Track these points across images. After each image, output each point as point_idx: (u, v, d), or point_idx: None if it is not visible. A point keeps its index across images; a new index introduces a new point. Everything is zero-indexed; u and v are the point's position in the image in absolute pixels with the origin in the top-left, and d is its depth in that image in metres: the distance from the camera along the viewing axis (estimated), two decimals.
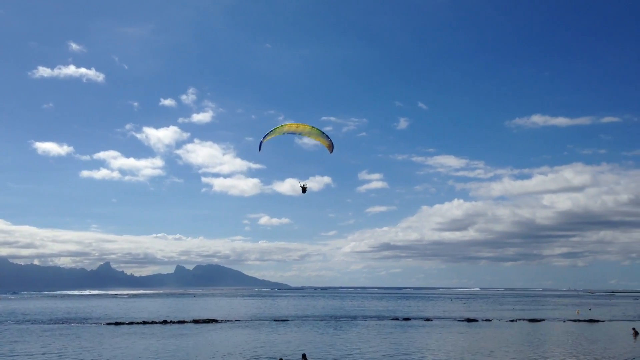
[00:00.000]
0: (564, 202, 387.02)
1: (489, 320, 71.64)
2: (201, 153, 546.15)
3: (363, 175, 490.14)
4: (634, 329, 52.67)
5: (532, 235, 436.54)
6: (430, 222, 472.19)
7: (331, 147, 38.69)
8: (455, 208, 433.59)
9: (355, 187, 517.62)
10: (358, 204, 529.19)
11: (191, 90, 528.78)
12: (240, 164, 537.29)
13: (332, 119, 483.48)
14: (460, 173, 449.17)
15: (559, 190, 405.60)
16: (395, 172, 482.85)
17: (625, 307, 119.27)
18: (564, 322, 70.18)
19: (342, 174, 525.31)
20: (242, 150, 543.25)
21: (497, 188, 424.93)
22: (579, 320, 71.29)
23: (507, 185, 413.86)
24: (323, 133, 38.02)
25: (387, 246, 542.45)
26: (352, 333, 53.25)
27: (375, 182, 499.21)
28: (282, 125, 37.83)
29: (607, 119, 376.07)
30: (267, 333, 53.11)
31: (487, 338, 49.28)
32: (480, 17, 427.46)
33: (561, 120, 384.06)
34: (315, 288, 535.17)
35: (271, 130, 37.00)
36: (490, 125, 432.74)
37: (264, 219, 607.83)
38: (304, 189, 38.58)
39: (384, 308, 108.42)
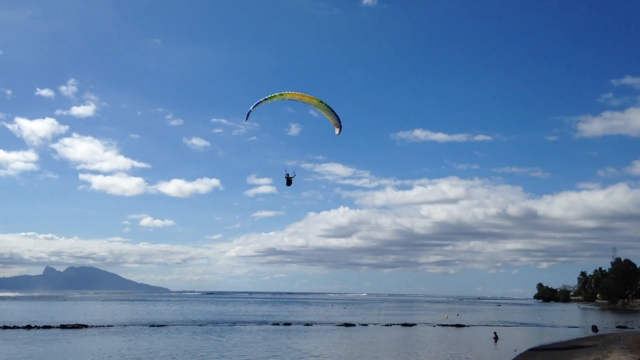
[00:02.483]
0: (440, 213, 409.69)
1: (366, 325, 74.02)
2: (80, 148, 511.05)
3: (252, 179, 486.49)
4: (495, 333, 56.81)
5: (411, 244, 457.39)
6: (316, 229, 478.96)
7: (337, 126, 36.08)
8: (341, 215, 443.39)
9: (243, 190, 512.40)
10: (245, 207, 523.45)
11: (71, 81, 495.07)
12: (123, 161, 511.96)
13: (223, 121, 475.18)
14: (347, 181, 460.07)
15: (436, 201, 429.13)
16: (284, 177, 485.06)
17: (488, 313, 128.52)
18: (434, 326, 74.15)
19: (230, 177, 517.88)
20: (126, 147, 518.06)
21: (380, 197, 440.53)
22: (447, 325, 75.65)
23: (390, 195, 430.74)
24: (332, 111, 35.26)
25: (272, 251, 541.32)
26: (232, 338, 52.75)
27: (264, 186, 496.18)
28: (282, 94, 34.54)
29: (480, 137, 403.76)
30: (142, 339, 51.12)
31: (362, 342, 50.92)
32: (373, 31, 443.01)
33: (440, 136, 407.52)
34: (202, 292, 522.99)
35: (265, 98, 34.09)
36: (376, 136, 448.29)
37: (146, 220, 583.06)
38: (289, 181, 36.44)
39: (267, 313, 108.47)
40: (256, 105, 34.27)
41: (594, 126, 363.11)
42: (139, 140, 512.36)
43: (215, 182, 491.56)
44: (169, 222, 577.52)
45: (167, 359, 36.99)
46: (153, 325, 68.35)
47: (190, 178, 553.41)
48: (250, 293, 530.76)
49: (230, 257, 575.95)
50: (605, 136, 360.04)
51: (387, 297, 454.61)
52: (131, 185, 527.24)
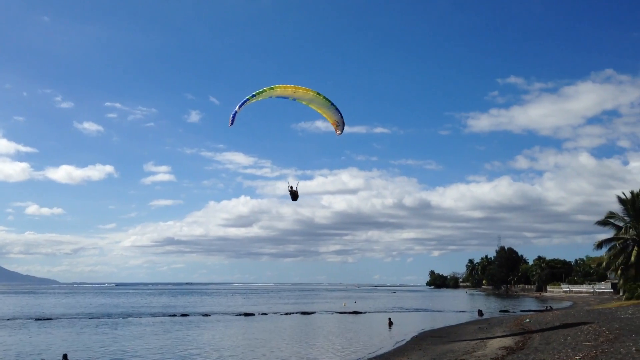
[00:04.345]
0: (340, 203, 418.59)
1: (265, 314, 74.27)
2: None
3: (149, 167, 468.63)
4: (389, 319, 58.96)
5: (311, 233, 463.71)
6: (216, 218, 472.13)
7: (339, 125, 31.07)
8: (242, 205, 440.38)
9: (139, 178, 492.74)
10: (142, 196, 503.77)
11: None
12: (6, 145, 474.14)
13: (118, 105, 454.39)
14: (248, 171, 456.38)
15: (337, 192, 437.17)
16: (183, 165, 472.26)
17: (384, 300, 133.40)
18: (332, 314, 75.82)
19: (126, 164, 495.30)
20: (10, 130, 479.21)
21: (282, 187, 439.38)
22: (345, 312, 77.61)
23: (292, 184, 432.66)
24: (332, 104, 30.13)
25: (170, 241, 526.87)
26: (126, 331, 51.00)
27: (162, 174, 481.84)
28: (272, 88, 29.31)
29: (379, 130, 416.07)
30: (27, 334, 48.18)
31: (261, 331, 51.07)
32: (273, 19, 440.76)
33: None
34: (99, 284, 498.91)
35: (253, 95, 28.89)
36: (278, 126, 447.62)
37: (32, 208, 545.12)
38: (294, 195, 31.14)
39: (163, 304, 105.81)
40: (242, 104, 29.54)
41: (481, 122, 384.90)
42: (24, 123, 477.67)
43: (109, 168, 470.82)
44: (57, 210, 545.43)
45: (56, 353, 35.05)
46: (40, 319, 64.60)
47: (81, 164, 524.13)
48: (145, 284, 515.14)
49: (125, 247, 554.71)
50: (491, 132, 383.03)
51: (291, 286, 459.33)
52: (15, 170, 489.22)
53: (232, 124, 30.12)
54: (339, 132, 32.30)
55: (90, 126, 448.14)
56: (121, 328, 54.13)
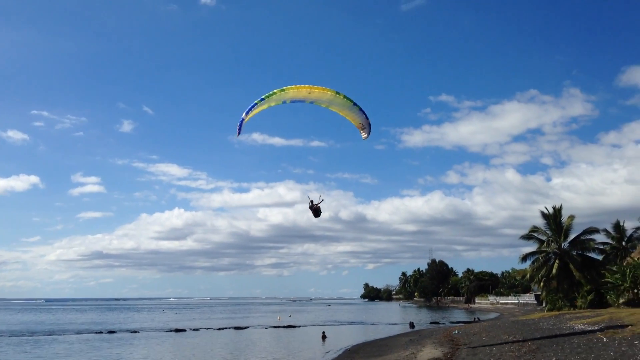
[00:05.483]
0: (277, 216, 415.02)
1: (197, 330, 72.73)
2: None
3: (77, 177, 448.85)
4: (323, 332, 59.12)
5: (246, 247, 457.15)
6: (148, 231, 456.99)
7: (364, 127, 28.15)
8: (176, 217, 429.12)
9: (67, 189, 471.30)
10: (69, 208, 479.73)
11: None
12: None
13: (45, 113, 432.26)
14: (182, 182, 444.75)
15: (273, 204, 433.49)
16: (114, 176, 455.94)
17: (319, 313, 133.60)
18: (266, 328, 75.15)
19: (52, 175, 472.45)
20: None
21: (217, 199, 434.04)
22: (279, 327, 77.12)
23: (227, 197, 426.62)
24: (354, 104, 27.42)
25: (99, 254, 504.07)
26: (49, 350, 48.61)
27: (91, 185, 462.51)
28: (283, 90, 26.03)
29: (315, 143, 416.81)
30: None
31: (191, 347, 49.95)
32: (210, 31, 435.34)
33: (278, 140, 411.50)
34: (25, 300, 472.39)
35: (262, 99, 25.60)
36: (214, 137, 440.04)
37: None
38: (316, 212, 28.46)
39: (89, 321, 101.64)
40: (250, 111, 26.21)
41: (415, 138, 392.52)
42: None
43: (34, 179, 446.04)
44: None
45: None
46: None
47: (4, 174, 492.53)
48: (72, 300, 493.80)
49: (50, 262, 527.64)
50: (424, 147, 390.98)
51: (227, 300, 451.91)
52: None
53: (239, 133, 27.45)
54: (365, 135, 29.76)
55: (14, 135, 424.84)
56: (44, 346, 51.53)
